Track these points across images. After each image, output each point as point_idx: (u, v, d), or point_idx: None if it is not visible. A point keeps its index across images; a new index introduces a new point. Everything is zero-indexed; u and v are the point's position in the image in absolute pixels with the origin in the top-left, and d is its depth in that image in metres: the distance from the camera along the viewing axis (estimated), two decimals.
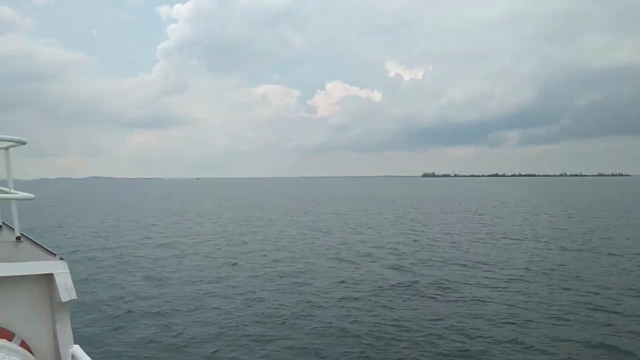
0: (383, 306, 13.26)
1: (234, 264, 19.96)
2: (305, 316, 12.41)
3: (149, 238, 28.60)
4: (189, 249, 24.07)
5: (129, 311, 12.88)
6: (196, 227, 35.34)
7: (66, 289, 3.73)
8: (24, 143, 4.22)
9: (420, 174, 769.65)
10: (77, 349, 2.86)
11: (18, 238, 4.91)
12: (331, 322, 11.81)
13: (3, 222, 5.82)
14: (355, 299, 14.09)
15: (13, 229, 5.42)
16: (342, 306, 13.31)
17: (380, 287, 15.56)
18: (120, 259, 21.00)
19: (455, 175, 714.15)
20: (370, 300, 13.94)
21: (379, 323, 11.72)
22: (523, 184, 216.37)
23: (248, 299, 14.19)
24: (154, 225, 36.56)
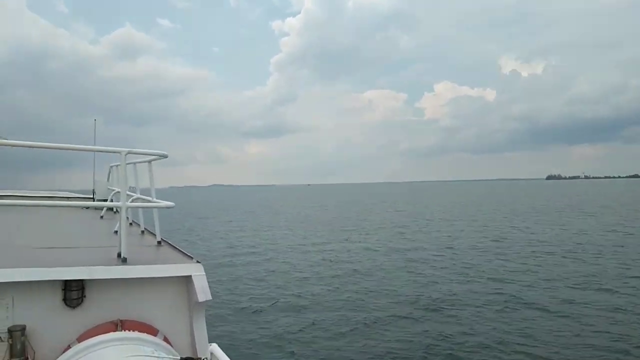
0: None
1: (360, 267, 20.06)
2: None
3: (276, 243, 29.61)
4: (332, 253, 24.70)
5: (261, 311, 13.54)
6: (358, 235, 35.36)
7: (203, 290, 4.02)
8: (165, 157, 4.66)
9: (544, 176, 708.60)
10: (215, 347, 3.05)
11: (159, 242, 5.45)
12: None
13: (145, 228, 6.50)
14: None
15: (154, 234, 6.04)
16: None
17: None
18: (251, 262, 22.23)
19: (586, 177, 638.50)
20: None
21: None
22: None
23: (383, 295, 14.21)
24: (283, 231, 37.99)
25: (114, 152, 4.42)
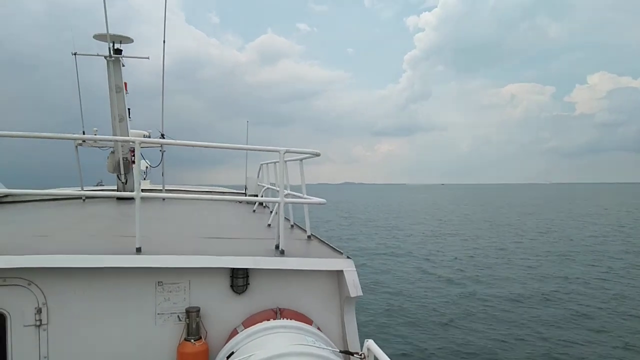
0: None
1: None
2: None
3: (421, 244, 29.21)
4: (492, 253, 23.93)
5: (409, 310, 13.57)
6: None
7: (354, 285, 4.09)
8: (318, 155, 4.84)
9: None
10: (371, 344, 3.05)
11: (309, 237, 5.69)
12: None
13: (294, 223, 6.85)
14: None
15: (302, 229, 6.34)
16: None
17: None
18: (399, 259, 22.44)
19: None
20: None
21: None
22: None
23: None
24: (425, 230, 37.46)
25: (273, 151, 4.73)
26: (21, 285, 3.78)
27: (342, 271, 4.20)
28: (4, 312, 3.74)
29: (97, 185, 12.33)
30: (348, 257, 4.33)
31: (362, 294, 4.08)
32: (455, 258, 22.93)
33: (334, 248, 4.86)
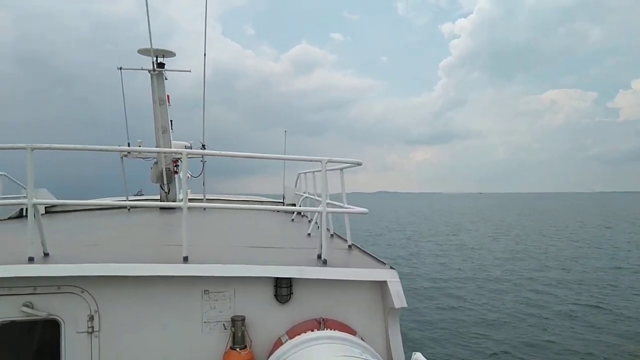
0: None
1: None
2: None
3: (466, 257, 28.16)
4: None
5: (456, 322, 13.29)
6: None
7: (398, 296, 4.02)
8: (359, 164, 4.83)
9: None
10: (420, 357, 3.00)
11: (350, 247, 5.66)
12: None
13: (334, 232, 6.83)
14: None
15: (341, 238, 6.31)
16: None
17: None
18: (443, 270, 22.10)
19: None
20: None
21: None
22: None
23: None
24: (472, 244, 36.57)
25: (315, 160, 4.75)
26: (74, 293, 3.92)
27: (385, 282, 4.15)
28: (58, 318, 3.89)
29: (137, 195, 12.71)
30: (391, 268, 4.28)
31: (406, 305, 4.02)
32: (530, 278, 20.91)
33: (376, 258, 4.82)
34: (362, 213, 4.62)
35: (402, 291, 4.08)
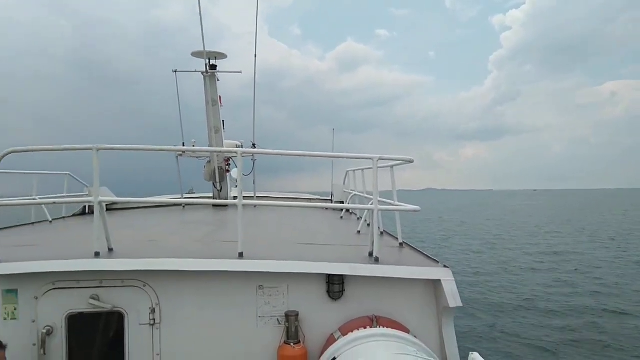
0: None
1: None
2: None
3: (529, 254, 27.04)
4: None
5: (519, 323, 12.89)
6: None
7: (453, 295, 3.96)
8: (411, 162, 4.78)
9: None
10: (477, 357, 2.94)
11: (401, 244, 5.62)
12: None
13: (384, 230, 6.79)
14: None
15: (393, 236, 6.27)
16: None
17: None
18: (500, 270, 21.40)
19: None
20: None
21: None
22: None
23: None
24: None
25: (366, 158, 4.75)
26: (137, 287, 4.14)
27: (439, 280, 4.10)
28: (122, 311, 4.11)
29: (188, 193, 13.16)
30: (445, 266, 4.22)
31: (461, 304, 3.95)
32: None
33: (428, 256, 4.76)
34: (415, 211, 4.58)
35: (457, 290, 4.01)
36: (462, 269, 21.51)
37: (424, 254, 4.89)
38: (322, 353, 3.86)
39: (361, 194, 7.52)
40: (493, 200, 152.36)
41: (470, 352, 3.04)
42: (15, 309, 4.06)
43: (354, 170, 8.81)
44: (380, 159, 4.53)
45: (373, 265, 4.21)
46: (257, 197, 11.08)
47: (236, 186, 14.50)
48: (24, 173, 7.64)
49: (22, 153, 4.35)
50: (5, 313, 4.04)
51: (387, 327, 3.75)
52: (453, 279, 4.08)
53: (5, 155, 4.17)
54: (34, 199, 7.34)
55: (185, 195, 11.57)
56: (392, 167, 5.32)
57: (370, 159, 4.55)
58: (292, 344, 3.97)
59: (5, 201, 5.13)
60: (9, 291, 4.05)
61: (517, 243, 32.23)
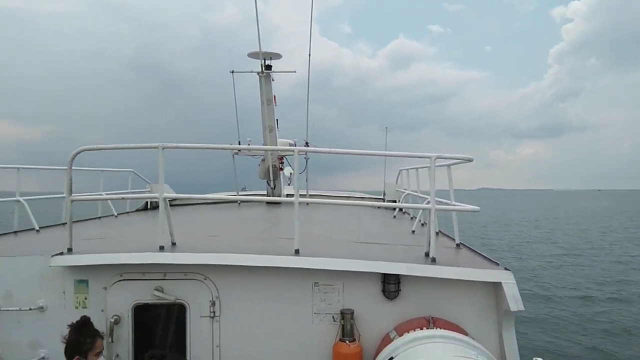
0: None
1: None
2: None
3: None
4: None
5: (584, 328, 12.44)
6: None
7: (514, 299, 3.83)
8: (470, 160, 4.65)
9: None
10: None
11: (458, 245, 5.49)
12: None
13: (440, 230, 6.65)
14: None
15: (448, 237, 6.14)
16: None
17: None
18: (562, 273, 20.65)
19: None
20: None
21: None
22: None
23: None
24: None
25: (423, 157, 4.68)
26: (199, 280, 4.30)
27: (499, 283, 3.97)
28: (185, 303, 4.29)
29: (241, 191, 13.51)
30: (506, 269, 4.08)
31: (523, 308, 3.81)
32: None
33: (487, 258, 4.62)
34: (473, 211, 4.47)
35: (518, 293, 3.87)
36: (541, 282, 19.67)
37: (483, 256, 4.75)
38: (377, 352, 3.85)
39: (415, 193, 7.41)
40: (560, 201, 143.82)
41: (534, 358, 2.92)
42: (85, 299, 4.33)
43: (407, 169, 8.69)
44: (439, 157, 4.45)
45: (430, 265, 4.14)
46: (309, 195, 11.19)
47: (289, 184, 14.73)
48: (92, 170, 8.13)
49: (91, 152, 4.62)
50: (77, 302, 4.32)
51: (443, 329, 3.68)
52: (514, 282, 3.94)
53: (78, 153, 4.45)
54: (100, 195, 7.81)
55: (241, 193, 11.87)
56: (449, 166, 5.21)
57: (427, 157, 4.47)
58: (347, 342, 3.99)
59: (80, 196, 5.49)
60: (80, 281, 4.33)
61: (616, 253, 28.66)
